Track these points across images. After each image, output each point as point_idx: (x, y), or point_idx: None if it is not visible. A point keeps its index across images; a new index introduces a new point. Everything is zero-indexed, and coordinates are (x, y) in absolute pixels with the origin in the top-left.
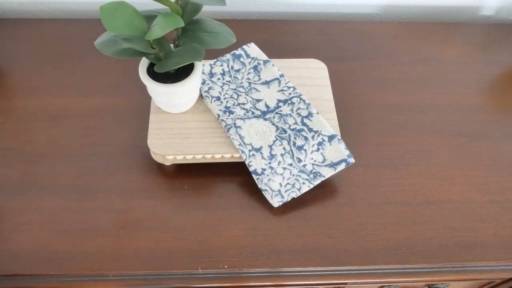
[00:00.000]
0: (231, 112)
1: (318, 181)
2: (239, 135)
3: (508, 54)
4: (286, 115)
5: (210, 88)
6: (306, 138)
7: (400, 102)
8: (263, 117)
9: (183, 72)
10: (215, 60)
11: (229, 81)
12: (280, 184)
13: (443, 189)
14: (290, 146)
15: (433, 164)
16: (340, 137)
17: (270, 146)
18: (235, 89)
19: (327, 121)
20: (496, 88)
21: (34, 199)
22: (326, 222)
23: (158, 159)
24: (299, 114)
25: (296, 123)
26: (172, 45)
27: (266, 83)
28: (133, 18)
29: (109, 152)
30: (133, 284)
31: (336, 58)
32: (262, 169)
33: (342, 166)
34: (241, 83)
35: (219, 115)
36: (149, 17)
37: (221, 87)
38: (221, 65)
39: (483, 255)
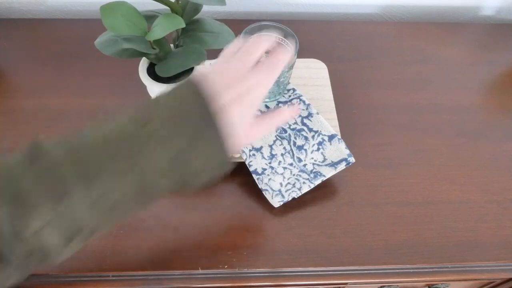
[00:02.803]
0: None
1: (318, 181)
2: None
3: (508, 54)
4: None
5: None
6: (306, 138)
7: (400, 102)
8: None
9: (183, 72)
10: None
11: None
12: (280, 184)
13: (443, 189)
14: (291, 146)
15: (433, 164)
16: (340, 137)
17: (271, 146)
18: None
19: (327, 121)
20: (496, 88)
21: None
22: (326, 222)
23: None
24: (299, 115)
25: (296, 123)
26: (172, 45)
27: None
28: (134, 18)
29: None
30: (133, 284)
31: (336, 58)
32: (263, 169)
33: (342, 166)
34: None
35: None
36: (149, 17)
37: None
38: None
39: (483, 255)
